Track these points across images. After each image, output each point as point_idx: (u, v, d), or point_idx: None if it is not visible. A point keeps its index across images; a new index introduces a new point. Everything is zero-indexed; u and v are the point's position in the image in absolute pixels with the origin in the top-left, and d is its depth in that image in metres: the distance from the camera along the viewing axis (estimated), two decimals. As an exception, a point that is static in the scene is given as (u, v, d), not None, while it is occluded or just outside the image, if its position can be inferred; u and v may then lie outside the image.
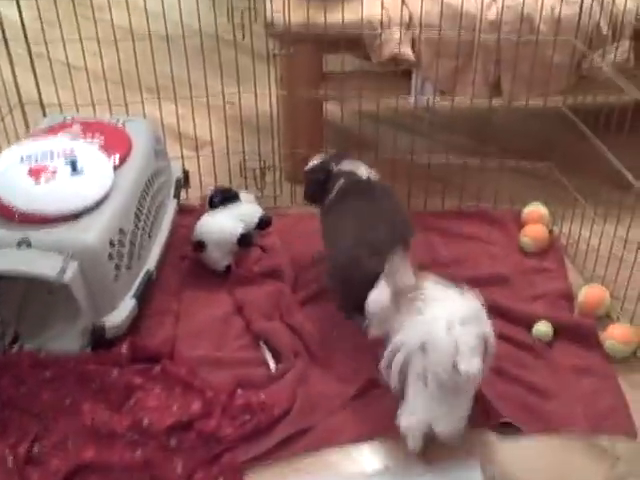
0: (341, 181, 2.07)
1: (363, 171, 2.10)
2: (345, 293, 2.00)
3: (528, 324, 2.01)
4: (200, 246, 2.17)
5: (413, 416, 1.67)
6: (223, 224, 2.18)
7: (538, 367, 1.92)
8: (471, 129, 2.64)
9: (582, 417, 1.80)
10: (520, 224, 2.34)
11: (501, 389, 1.84)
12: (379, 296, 1.77)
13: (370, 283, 1.81)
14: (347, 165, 2.12)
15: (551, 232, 2.32)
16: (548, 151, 2.38)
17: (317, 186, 2.14)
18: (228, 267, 2.19)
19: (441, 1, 2.24)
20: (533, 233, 2.28)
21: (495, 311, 1.94)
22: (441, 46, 2.27)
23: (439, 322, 1.57)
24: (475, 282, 1.96)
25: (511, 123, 2.66)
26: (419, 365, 1.60)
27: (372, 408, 1.81)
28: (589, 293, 2.08)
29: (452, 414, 1.65)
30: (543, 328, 2.00)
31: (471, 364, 1.54)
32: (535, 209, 2.34)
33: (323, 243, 2.07)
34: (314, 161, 2.19)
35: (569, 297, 2.12)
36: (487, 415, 1.78)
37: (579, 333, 2.00)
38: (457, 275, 1.99)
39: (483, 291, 1.98)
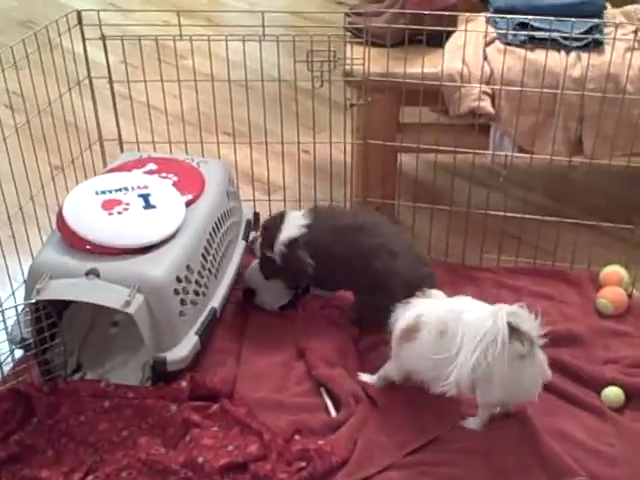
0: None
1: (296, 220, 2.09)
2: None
3: (598, 388, 1.93)
4: (249, 293, 2.18)
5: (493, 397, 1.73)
6: None
7: (606, 432, 1.83)
8: (549, 187, 2.59)
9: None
10: (597, 285, 2.26)
11: (565, 453, 1.75)
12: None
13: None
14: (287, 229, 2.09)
15: (630, 296, 2.23)
16: (629, 212, 2.31)
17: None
18: (291, 304, 2.18)
19: (524, 58, 2.23)
20: (611, 295, 2.19)
21: (564, 371, 1.91)
22: (522, 101, 2.24)
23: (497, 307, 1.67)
24: (547, 340, 1.90)
25: (592, 182, 2.60)
26: (518, 348, 1.64)
27: (434, 468, 1.74)
28: (669, 360, 1.99)
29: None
30: (613, 393, 1.90)
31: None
32: (614, 271, 2.26)
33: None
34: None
35: (646, 364, 2.03)
36: (559, 472, 1.71)
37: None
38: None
39: (554, 349, 1.94)
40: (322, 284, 2.18)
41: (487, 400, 1.75)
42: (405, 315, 1.81)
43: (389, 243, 2.05)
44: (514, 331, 1.64)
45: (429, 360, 1.73)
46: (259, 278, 2.18)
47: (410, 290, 1.89)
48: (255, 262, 2.21)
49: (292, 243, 2.07)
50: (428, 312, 1.77)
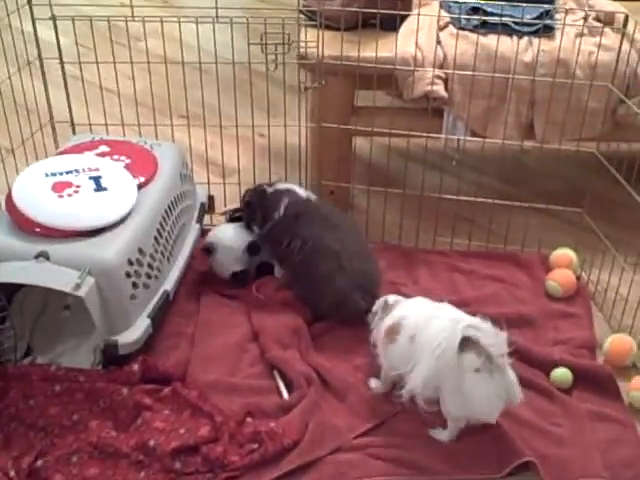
0: (285, 200, 2.15)
1: (301, 191, 2.21)
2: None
3: (547, 369, 1.96)
4: (209, 249, 2.20)
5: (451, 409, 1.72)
6: (235, 230, 2.22)
7: (554, 413, 1.87)
8: (501, 170, 2.62)
9: (600, 465, 1.73)
10: (547, 268, 2.30)
11: (514, 433, 1.77)
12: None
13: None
14: (282, 185, 2.21)
15: (579, 278, 2.27)
16: (579, 196, 2.34)
17: (252, 210, 2.20)
18: (236, 276, 2.20)
19: (476, 42, 2.24)
20: (560, 278, 2.23)
21: (514, 352, 1.91)
22: (474, 86, 2.26)
23: (461, 318, 1.71)
24: (497, 321, 1.92)
25: (542, 166, 2.63)
26: (472, 360, 1.63)
27: (385, 450, 1.76)
28: (615, 342, 2.03)
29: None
30: (562, 374, 1.94)
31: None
32: (563, 253, 2.29)
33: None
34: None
35: (592, 345, 2.07)
36: (508, 454, 1.73)
37: (598, 381, 1.94)
38: (479, 313, 1.97)
39: (504, 331, 1.96)
40: (281, 257, 2.19)
41: (447, 412, 1.74)
42: (389, 315, 1.83)
43: (343, 252, 2.08)
44: (471, 343, 1.64)
45: (404, 362, 1.74)
46: (220, 238, 2.21)
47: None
48: (220, 224, 2.29)
49: (289, 191, 2.19)
50: (409, 315, 1.79)
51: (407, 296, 1.94)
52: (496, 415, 1.71)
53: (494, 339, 1.66)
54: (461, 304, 2.09)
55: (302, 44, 2.29)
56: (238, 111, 2.31)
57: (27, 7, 2.23)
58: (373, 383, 1.91)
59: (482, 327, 1.67)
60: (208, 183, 2.46)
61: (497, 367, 1.65)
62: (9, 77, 2.18)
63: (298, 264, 2.11)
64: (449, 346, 1.63)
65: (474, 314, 1.74)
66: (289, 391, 1.89)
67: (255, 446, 1.72)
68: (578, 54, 2.23)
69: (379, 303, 1.90)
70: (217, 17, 2.16)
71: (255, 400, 1.85)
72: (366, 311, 1.96)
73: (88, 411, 1.79)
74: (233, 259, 2.20)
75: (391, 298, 1.90)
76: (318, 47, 2.25)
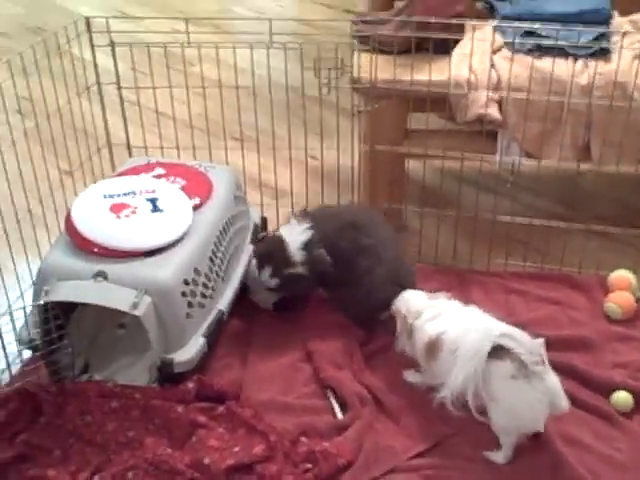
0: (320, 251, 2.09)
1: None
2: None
3: (607, 392, 1.92)
4: (245, 287, 2.21)
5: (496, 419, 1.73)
6: None
7: (615, 438, 1.83)
8: (557, 192, 2.59)
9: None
10: (605, 290, 2.25)
11: (573, 457, 1.74)
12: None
13: None
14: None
15: (638, 300, 2.22)
16: (638, 218, 2.30)
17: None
18: (277, 306, 2.19)
19: (531, 65, 2.23)
20: (620, 300, 2.18)
21: (573, 375, 1.91)
22: (529, 108, 2.24)
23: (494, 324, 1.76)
24: (555, 344, 1.91)
25: (600, 188, 2.59)
26: (507, 368, 1.66)
27: (439, 472, 1.74)
28: (676, 366, 1.98)
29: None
30: (622, 397, 1.90)
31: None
32: (622, 275, 2.25)
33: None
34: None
35: (654, 369, 2.02)
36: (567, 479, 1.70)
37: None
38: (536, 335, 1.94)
39: (563, 354, 1.94)
40: (326, 283, 2.17)
41: (495, 424, 1.74)
42: (426, 328, 1.85)
43: (378, 244, 2.10)
44: (505, 351, 1.66)
45: (448, 374, 1.75)
46: (252, 276, 2.20)
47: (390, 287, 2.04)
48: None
49: (308, 245, 2.10)
50: (449, 330, 1.81)
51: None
52: (542, 421, 1.70)
53: (528, 347, 1.67)
54: (517, 326, 2.08)
55: (355, 68, 2.30)
56: (291, 134, 2.33)
57: (86, 34, 2.29)
58: (410, 377, 1.95)
59: (516, 336, 1.69)
60: (261, 205, 2.48)
61: (534, 373, 1.65)
62: (69, 102, 2.22)
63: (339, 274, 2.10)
64: (479, 351, 1.67)
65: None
66: (343, 411, 1.88)
67: (309, 466, 1.71)
68: (636, 76, 2.21)
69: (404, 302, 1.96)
70: (271, 42, 2.19)
71: (309, 420, 1.85)
72: None
73: (144, 428, 1.80)
74: (269, 293, 2.19)
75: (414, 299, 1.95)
76: (371, 71, 2.27)
